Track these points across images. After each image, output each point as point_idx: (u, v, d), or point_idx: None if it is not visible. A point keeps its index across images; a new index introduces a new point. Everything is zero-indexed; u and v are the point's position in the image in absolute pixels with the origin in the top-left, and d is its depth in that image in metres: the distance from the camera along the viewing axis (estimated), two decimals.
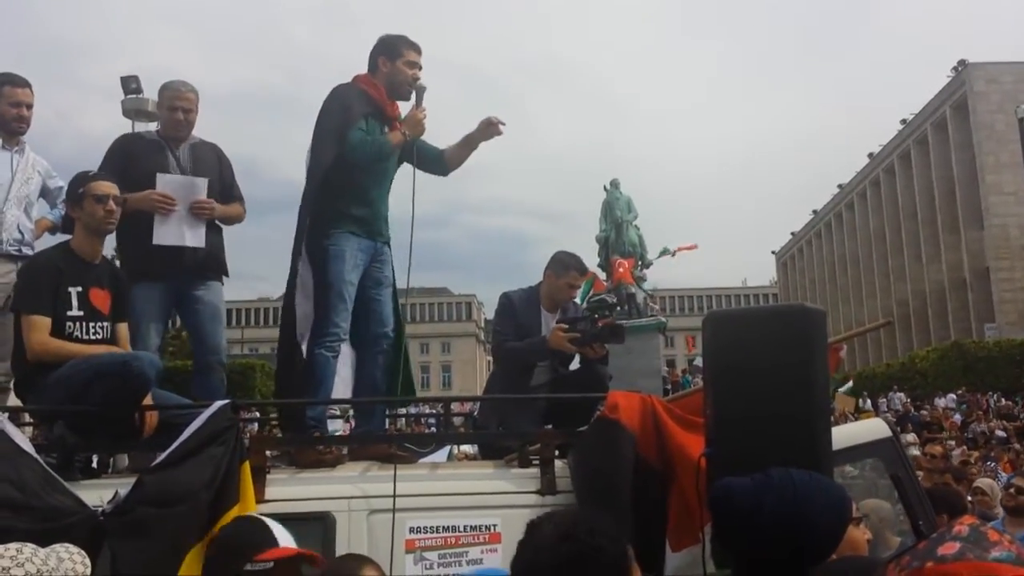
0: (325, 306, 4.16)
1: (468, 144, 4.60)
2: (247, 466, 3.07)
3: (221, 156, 4.78)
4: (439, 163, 4.62)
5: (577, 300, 5.07)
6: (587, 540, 1.70)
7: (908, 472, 3.54)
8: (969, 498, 6.55)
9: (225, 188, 4.69)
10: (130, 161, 4.40)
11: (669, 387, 23.09)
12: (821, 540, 1.95)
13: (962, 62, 45.34)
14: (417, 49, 4.50)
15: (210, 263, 4.55)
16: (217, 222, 4.58)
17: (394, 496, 3.05)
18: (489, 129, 4.53)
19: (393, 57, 4.44)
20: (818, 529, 1.95)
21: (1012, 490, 5.63)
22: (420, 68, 4.50)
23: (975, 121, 43.43)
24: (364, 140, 4.30)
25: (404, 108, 4.51)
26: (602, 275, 24.25)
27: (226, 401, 3.22)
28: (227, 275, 4.68)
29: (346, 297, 4.20)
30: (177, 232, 4.35)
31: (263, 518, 2.75)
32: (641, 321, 22.37)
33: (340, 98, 4.33)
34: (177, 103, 4.62)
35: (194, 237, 4.40)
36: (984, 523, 1.08)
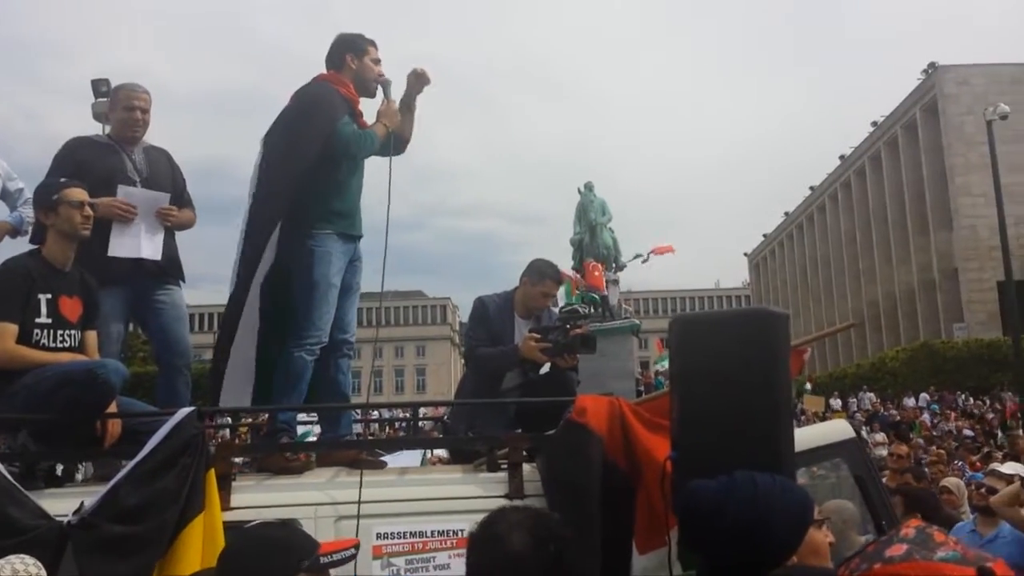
0: (308, 307, 4.12)
1: (408, 107, 4.57)
2: (212, 474, 3.05)
3: (172, 162, 4.74)
4: (397, 141, 4.55)
5: (559, 303, 5.09)
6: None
7: (872, 473, 3.60)
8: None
9: (178, 194, 4.65)
10: (81, 167, 4.28)
11: (642, 389, 23.17)
12: (780, 542, 1.97)
13: (932, 65, 45.82)
14: (376, 45, 4.52)
15: (169, 268, 4.51)
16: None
17: (359, 502, 3.04)
18: (419, 81, 4.53)
19: (360, 54, 4.44)
20: (777, 532, 1.97)
21: (983, 489, 5.68)
22: (381, 64, 4.51)
23: (945, 123, 43.94)
24: (357, 133, 4.30)
25: (367, 105, 4.50)
26: (578, 277, 24.33)
27: (191, 409, 3.20)
28: (184, 280, 4.64)
29: (331, 300, 4.17)
30: (133, 244, 4.29)
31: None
32: (615, 323, 22.45)
33: (321, 95, 4.29)
34: (135, 103, 4.57)
35: (151, 249, 4.35)
36: (929, 524, 1.10)
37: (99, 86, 16.70)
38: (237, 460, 3.70)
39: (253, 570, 2.18)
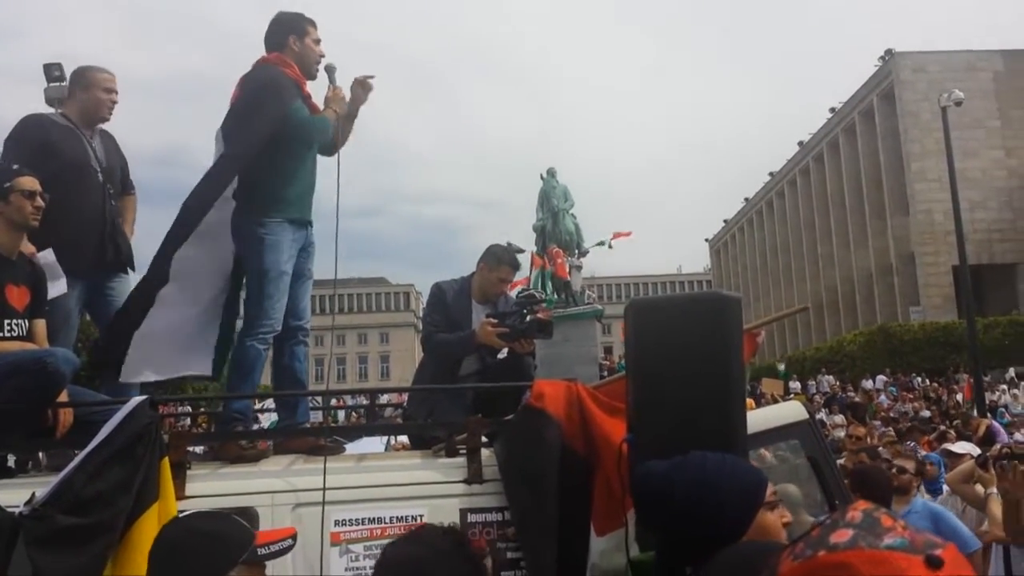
0: (259, 296, 4.07)
1: (349, 117, 4.50)
2: (167, 462, 3.02)
3: (118, 147, 4.67)
4: (329, 143, 4.48)
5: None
6: None
7: (825, 454, 3.65)
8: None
9: (124, 179, 4.62)
10: (48, 148, 4.18)
11: (605, 374, 23.31)
12: (731, 520, 1.99)
13: (889, 51, 46.36)
14: (316, 25, 4.42)
15: (121, 257, 4.44)
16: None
17: (324, 489, 3.03)
18: (363, 90, 4.47)
19: (301, 35, 4.36)
20: (727, 510, 2.00)
21: (895, 470, 5.80)
22: (320, 44, 4.43)
23: (901, 109, 44.51)
24: (311, 118, 4.25)
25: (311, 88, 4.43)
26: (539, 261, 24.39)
27: (144, 397, 3.16)
28: (134, 268, 4.56)
29: (282, 288, 4.13)
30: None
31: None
32: (578, 309, 22.57)
33: (271, 80, 4.20)
34: (111, 85, 4.51)
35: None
36: (877, 508, 1.10)
37: (52, 70, 16.22)
38: (192, 449, 3.66)
39: (187, 564, 2.09)
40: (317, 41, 4.41)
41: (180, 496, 3.05)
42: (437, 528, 1.97)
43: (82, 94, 4.49)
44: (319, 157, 4.46)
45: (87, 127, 4.46)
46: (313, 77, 4.44)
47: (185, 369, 4.25)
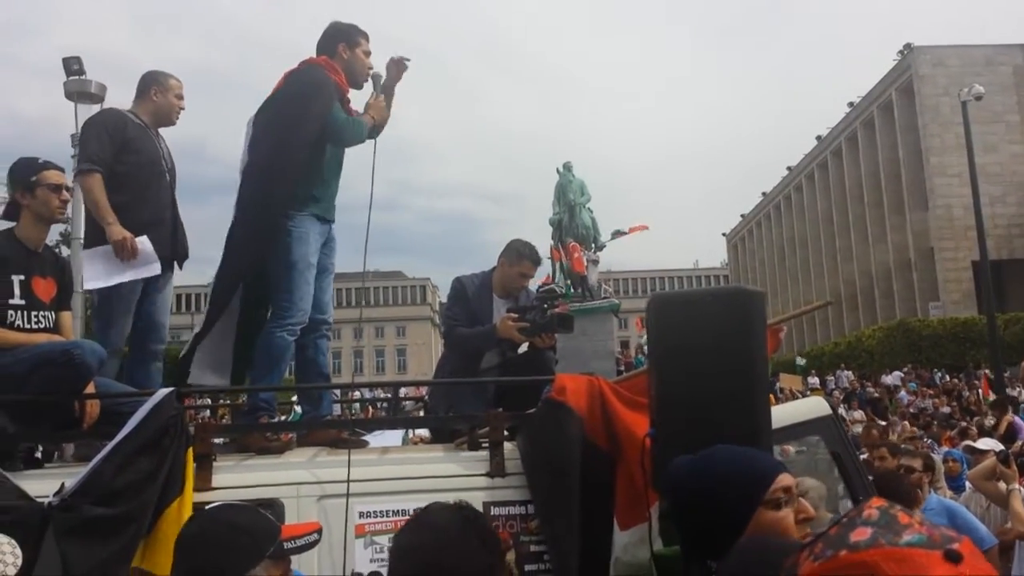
0: (288, 288, 4.12)
1: (387, 94, 4.62)
2: (190, 454, 3.05)
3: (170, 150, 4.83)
4: (375, 126, 4.58)
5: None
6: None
7: (848, 449, 3.64)
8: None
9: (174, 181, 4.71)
10: (131, 144, 4.37)
11: (622, 368, 23.27)
12: (725, 516, 1.96)
13: (908, 45, 45.96)
14: (368, 38, 4.54)
15: (180, 254, 4.60)
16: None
17: (348, 481, 3.05)
18: (398, 68, 4.59)
19: (352, 45, 4.46)
20: (721, 504, 1.96)
21: (902, 470, 5.77)
22: (371, 56, 4.54)
23: (920, 104, 44.14)
24: (349, 120, 4.34)
25: (355, 96, 4.52)
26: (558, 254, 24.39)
27: (170, 389, 3.19)
28: (181, 267, 4.69)
29: (309, 280, 4.19)
30: (97, 272, 4.18)
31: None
32: (594, 303, 22.54)
33: (320, 79, 4.29)
34: (181, 92, 4.68)
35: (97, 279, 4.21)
36: (893, 505, 1.10)
37: (71, 64, 16.45)
38: (217, 440, 3.69)
39: (215, 556, 2.06)
40: (367, 53, 4.52)
41: (206, 487, 3.08)
42: (444, 507, 1.91)
43: (159, 97, 4.62)
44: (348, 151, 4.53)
45: (154, 128, 4.60)
46: (359, 87, 4.55)
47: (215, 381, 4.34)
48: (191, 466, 3.03)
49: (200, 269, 4.05)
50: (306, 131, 4.17)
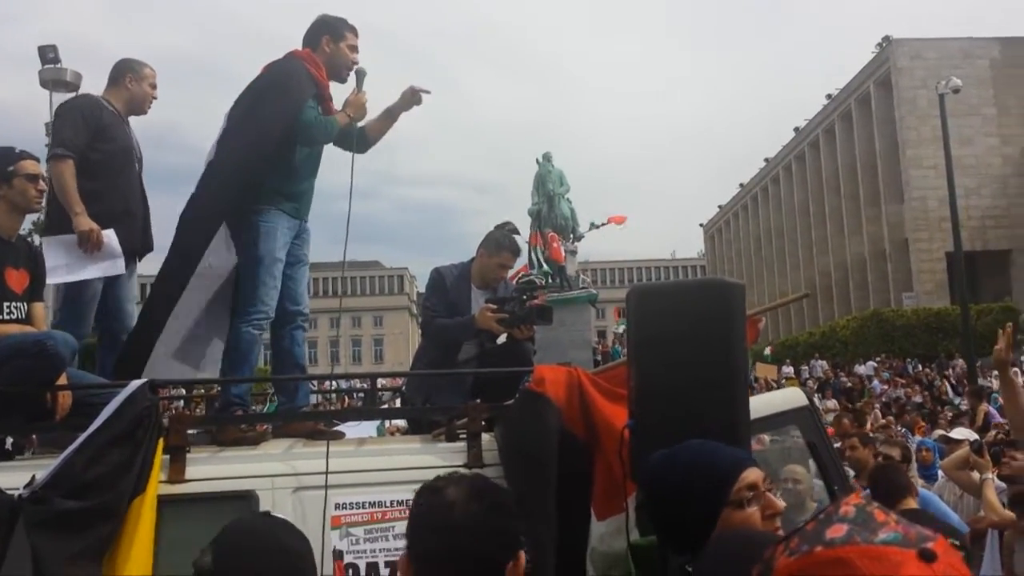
0: (254, 283, 4.07)
1: (389, 116, 4.58)
2: (160, 446, 3.01)
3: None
4: (362, 140, 4.56)
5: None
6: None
7: (824, 439, 3.67)
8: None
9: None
10: (106, 132, 4.33)
11: (599, 358, 23.40)
12: (694, 512, 1.96)
13: (887, 38, 46.26)
14: (356, 32, 4.47)
15: (148, 245, 4.59)
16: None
17: (327, 473, 3.03)
18: (412, 99, 4.52)
19: (337, 39, 4.39)
20: (689, 501, 1.97)
21: (880, 458, 5.84)
22: (358, 51, 4.47)
23: (898, 96, 44.46)
24: (318, 119, 4.25)
25: (337, 90, 4.47)
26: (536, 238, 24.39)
27: (144, 380, 3.15)
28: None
29: (275, 275, 4.13)
30: (62, 270, 4.07)
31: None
32: (572, 294, 22.58)
33: (293, 74, 4.22)
34: (155, 82, 4.64)
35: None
36: (870, 502, 1.10)
37: (46, 52, 16.28)
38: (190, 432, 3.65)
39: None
40: (353, 48, 4.44)
41: (180, 479, 3.05)
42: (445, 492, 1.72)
43: (134, 86, 4.58)
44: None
45: (126, 116, 4.57)
46: (342, 80, 4.46)
47: (202, 371, 4.28)
48: (159, 458, 2.99)
49: (161, 258, 4.02)
50: (274, 126, 4.10)
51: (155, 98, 4.65)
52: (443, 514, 1.66)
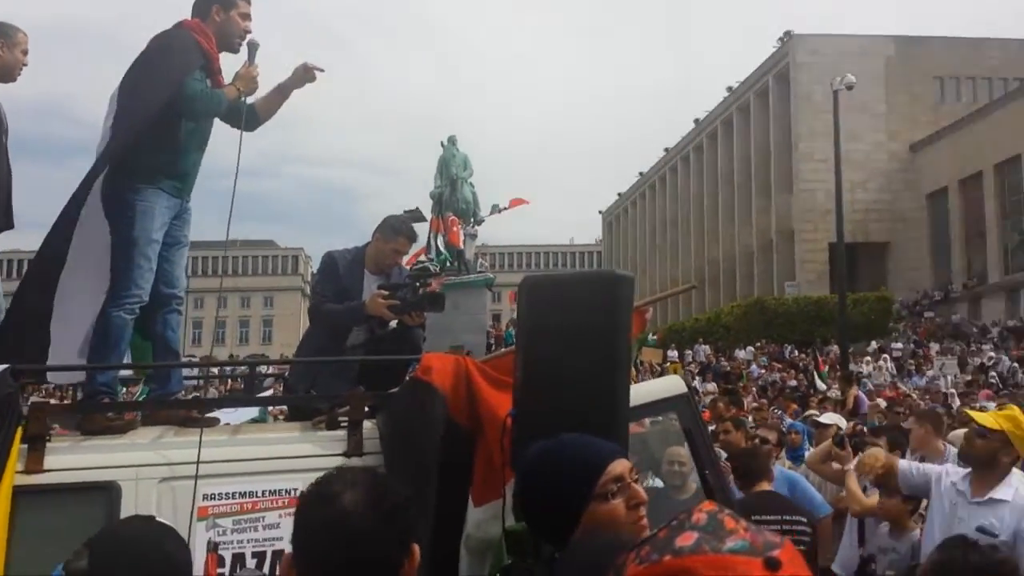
0: (127, 265, 3.84)
1: (281, 92, 4.38)
2: (18, 435, 2.84)
3: None
4: (251, 116, 4.35)
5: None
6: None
7: (700, 427, 3.77)
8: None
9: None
10: None
11: (492, 342, 23.52)
12: (561, 504, 1.98)
13: (788, 33, 47.71)
14: (248, 0, 4.25)
15: (10, 220, 4.29)
16: None
17: (198, 462, 2.91)
18: (305, 76, 4.35)
19: (227, 7, 4.16)
20: (559, 493, 1.99)
21: (757, 440, 6.05)
22: (251, 20, 4.26)
23: (795, 91, 46.00)
24: (204, 91, 4.02)
25: (228, 61, 4.26)
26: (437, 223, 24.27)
27: (5, 367, 2.96)
28: (12, 226, 4.36)
29: (151, 257, 3.91)
30: None
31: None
32: (469, 277, 22.56)
33: (175, 44, 4.00)
34: (27, 47, 4.33)
35: None
36: (722, 509, 1.11)
37: None
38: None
39: None
40: (245, 16, 4.21)
41: (37, 470, 2.88)
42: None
43: (5, 52, 4.25)
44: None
45: None
46: (234, 50, 4.24)
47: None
48: (16, 448, 2.81)
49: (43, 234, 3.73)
50: (153, 98, 3.88)
51: (26, 64, 4.34)
52: (339, 523, 1.57)
